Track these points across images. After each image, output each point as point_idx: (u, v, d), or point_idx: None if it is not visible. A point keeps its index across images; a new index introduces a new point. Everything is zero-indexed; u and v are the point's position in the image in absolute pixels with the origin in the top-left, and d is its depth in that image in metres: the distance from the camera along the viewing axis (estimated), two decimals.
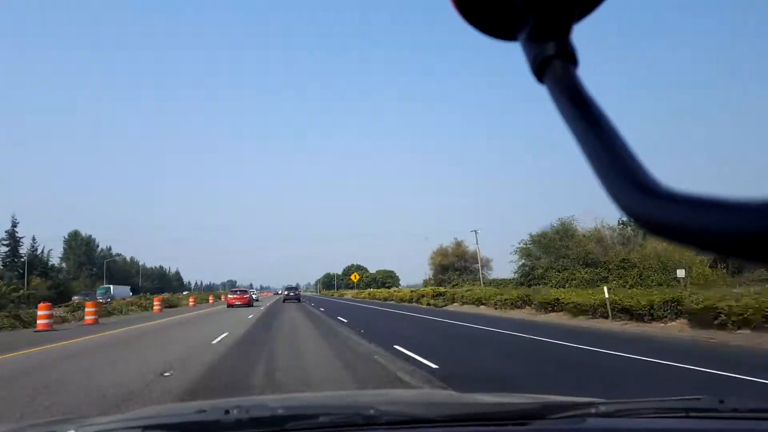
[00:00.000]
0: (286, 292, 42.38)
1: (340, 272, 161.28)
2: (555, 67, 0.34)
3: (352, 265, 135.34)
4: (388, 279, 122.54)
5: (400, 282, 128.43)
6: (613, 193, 0.27)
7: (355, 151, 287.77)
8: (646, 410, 1.31)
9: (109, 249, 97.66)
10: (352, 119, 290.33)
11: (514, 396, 2.03)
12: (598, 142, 0.29)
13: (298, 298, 40.00)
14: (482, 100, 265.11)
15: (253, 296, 40.44)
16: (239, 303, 30.06)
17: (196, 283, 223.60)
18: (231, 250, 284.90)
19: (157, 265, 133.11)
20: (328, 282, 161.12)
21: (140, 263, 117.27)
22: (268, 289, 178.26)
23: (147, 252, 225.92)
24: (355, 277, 65.74)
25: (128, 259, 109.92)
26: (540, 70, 0.35)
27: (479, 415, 1.35)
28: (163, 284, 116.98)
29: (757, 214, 0.22)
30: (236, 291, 33.57)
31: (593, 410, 1.29)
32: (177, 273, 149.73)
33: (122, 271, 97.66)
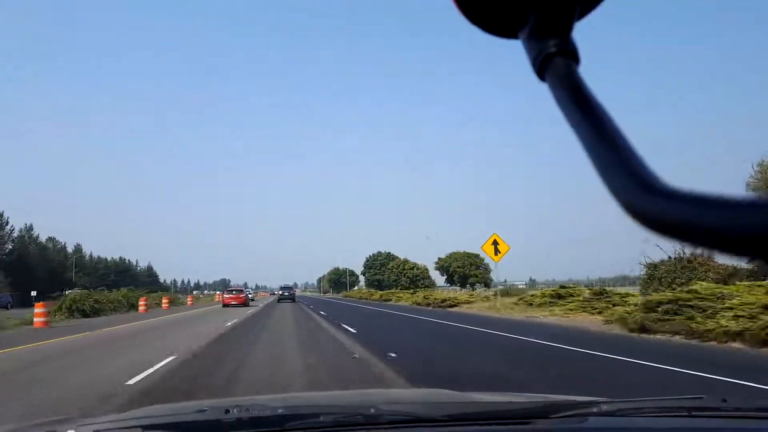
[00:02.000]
0: (280, 292, 48.66)
1: (351, 265, 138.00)
2: (557, 65, 0.38)
3: (380, 253, 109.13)
4: (472, 270, 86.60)
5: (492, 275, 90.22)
6: (615, 190, 0.31)
7: (359, 143, 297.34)
8: (648, 409, 1.47)
9: (29, 229, 77.60)
10: (353, 117, 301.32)
11: (516, 395, 2.24)
12: (600, 140, 0.33)
13: (292, 298, 45.31)
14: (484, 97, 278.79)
15: (249, 296, 43.72)
16: (235, 303, 34.09)
17: (183, 282, 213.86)
18: (225, 247, 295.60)
19: (116, 257, 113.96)
20: (336, 279, 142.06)
21: (89, 253, 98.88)
22: (264, 288, 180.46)
23: (127, 247, 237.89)
24: (497, 249, 22.64)
25: (65, 245, 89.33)
26: (541, 68, 0.39)
27: (481, 414, 1.53)
28: (126, 281, 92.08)
29: (759, 212, 0.25)
30: (232, 290, 38.33)
31: (595, 409, 1.46)
32: (150, 268, 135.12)
33: (53, 261, 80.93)
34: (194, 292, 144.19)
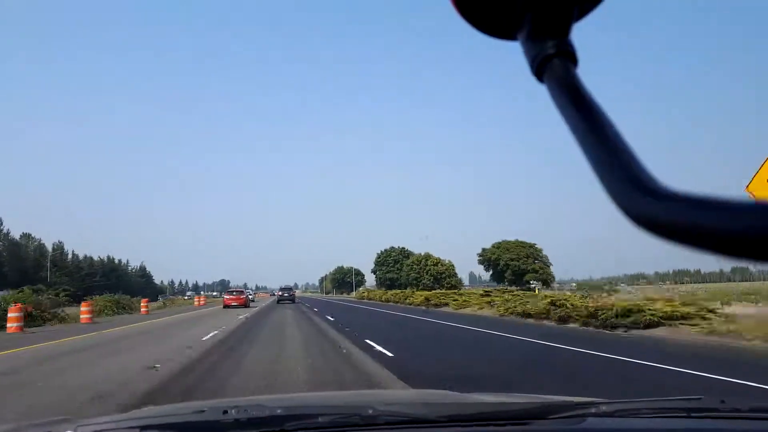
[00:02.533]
0: (280, 293, 51.36)
1: (354, 265, 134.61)
2: (555, 67, 0.40)
3: (393, 249, 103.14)
4: (529, 264, 71.25)
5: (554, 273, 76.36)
6: (613, 192, 0.32)
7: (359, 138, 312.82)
8: (646, 410, 1.53)
9: None
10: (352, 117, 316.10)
11: (514, 396, 2.30)
12: (598, 142, 0.34)
13: (292, 299, 48.10)
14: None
15: (250, 297, 46.69)
16: (235, 303, 36.59)
17: (181, 283, 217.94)
18: (225, 247, 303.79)
19: (104, 256, 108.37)
20: (341, 279, 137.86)
21: (71, 252, 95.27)
22: (264, 289, 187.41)
23: (126, 249, 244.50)
24: None
25: (41, 242, 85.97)
26: (540, 70, 0.41)
27: (479, 415, 1.58)
28: (114, 281, 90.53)
29: (756, 214, 0.26)
30: (232, 291, 41.24)
31: (593, 410, 1.51)
32: (143, 268, 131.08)
33: (25, 260, 79.21)
34: (188, 294, 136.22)
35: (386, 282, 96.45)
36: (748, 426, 1.50)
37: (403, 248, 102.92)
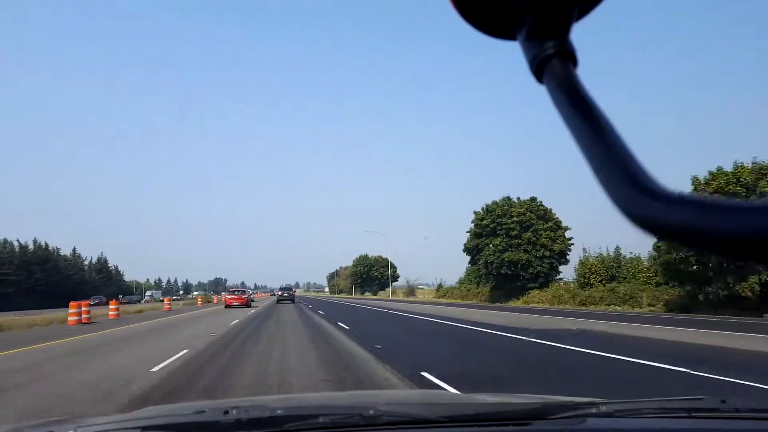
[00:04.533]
0: (279, 293, 57.73)
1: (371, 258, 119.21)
2: (554, 67, 0.47)
3: (510, 202, 55.76)
4: None
5: None
6: (612, 193, 0.38)
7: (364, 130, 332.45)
8: (647, 410, 1.69)
9: None
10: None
11: (514, 396, 2.46)
12: (597, 142, 0.41)
13: (292, 299, 54.65)
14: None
15: (251, 297, 51.11)
16: (237, 303, 43.09)
17: (169, 281, 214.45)
18: (219, 243, 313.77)
19: (39, 244, 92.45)
20: (365, 273, 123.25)
21: None
22: (264, 288, 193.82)
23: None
24: None
25: None
26: (539, 70, 0.48)
27: (479, 416, 1.77)
28: (47, 277, 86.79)
29: (756, 216, 0.31)
30: (234, 291, 48.43)
31: (594, 410, 1.68)
32: (103, 261, 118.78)
33: None
34: (147, 294, 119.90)
35: (502, 271, 54.56)
36: (748, 426, 1.65)
37: (534, 199, 57.06)
